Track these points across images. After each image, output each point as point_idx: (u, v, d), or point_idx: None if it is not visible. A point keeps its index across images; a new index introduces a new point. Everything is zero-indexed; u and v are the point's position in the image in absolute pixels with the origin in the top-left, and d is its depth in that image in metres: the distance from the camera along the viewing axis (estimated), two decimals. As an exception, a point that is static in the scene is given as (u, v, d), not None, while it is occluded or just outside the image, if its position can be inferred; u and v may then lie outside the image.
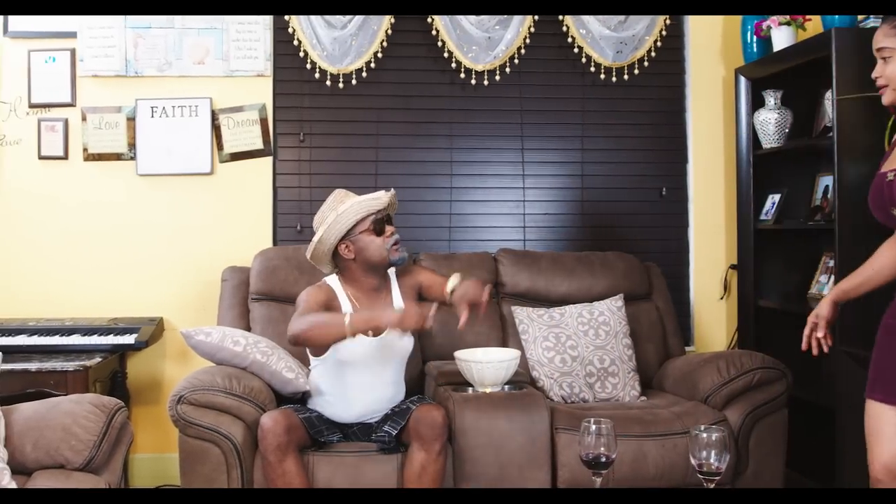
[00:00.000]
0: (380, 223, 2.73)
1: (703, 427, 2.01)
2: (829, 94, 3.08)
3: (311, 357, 2.83)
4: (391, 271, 2.90)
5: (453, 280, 2.73)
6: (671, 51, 3.91)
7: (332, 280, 2.82)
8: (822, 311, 2.32)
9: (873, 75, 2.14)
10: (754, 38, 3.64)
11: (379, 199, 2.73)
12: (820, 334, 2.31)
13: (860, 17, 3.08)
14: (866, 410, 2.16)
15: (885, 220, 2.15)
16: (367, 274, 2.75)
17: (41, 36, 3.64)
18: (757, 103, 3.60)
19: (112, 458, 2.37)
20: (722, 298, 3.95)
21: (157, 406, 3.65)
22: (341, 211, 2.67)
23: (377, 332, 2.49)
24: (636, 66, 3.85)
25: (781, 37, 3.43)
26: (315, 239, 2.73)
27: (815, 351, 2.33)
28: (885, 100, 2.13)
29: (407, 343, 2.85)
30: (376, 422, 2.80)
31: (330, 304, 2.72)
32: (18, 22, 3.62)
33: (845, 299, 2.32)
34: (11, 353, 3.09)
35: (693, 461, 2.00)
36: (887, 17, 2.10)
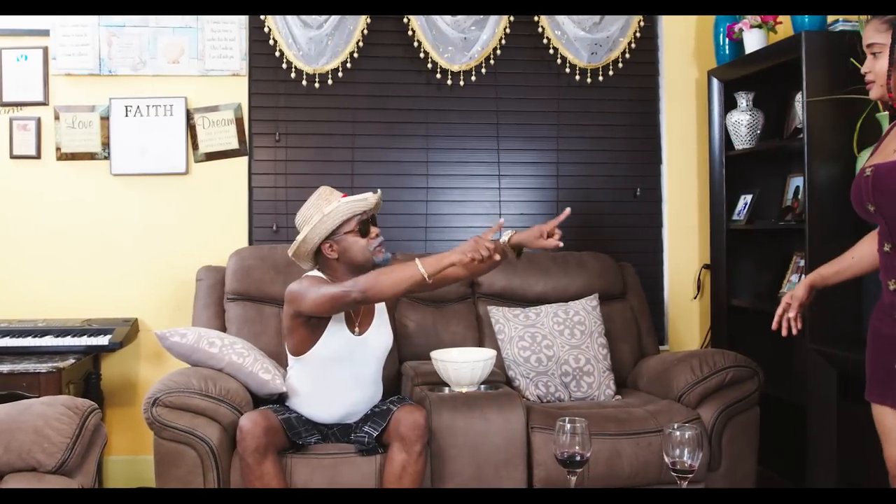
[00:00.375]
0: (365, 224, 2.72)
1: (676, 425, 2.03)
2: (799, 96, 3.12)
3: (289, 357, 2.82)
4: None
5: (507, 233, 2.67)
6: (645, 52, 3.94)
7: (317, 274, 2.79)
8: (798, 292, 2.31)
9: (863, 70, 2.14)
10: (726, 40, 3.68)
11: (366, 199, 2.72)
12: (791, 314, 2.31)
13: (830, 20, 3.13)
14: (872, 412, 2.16)
15: (864, 216, 2.16)
16: (348, 273, 2.73)
17: (13, 34, 3.59)
18: (729, 105, 3.64)
19: (85, 461, 2.35)
20: (695, 298, 3.99)
21: (131, 408, 3.63)
22: (327, 211, 2.65)
23: (442, 271, 2.39)
24: (611, 67, 3.88)
25: (753, 39, 3.47)
26: (299, 237, 2.70)
27: (784, 332, 2.32)
28: (873, 94, 2.14)
29: (387, 341, 2.85)
30: (355, 422, 2.79)
31: None
32: (-11, 20, 3.58)
33: (822, 285, 2.32)
34: (-18, 355, 3.06)
35: (667, 459, 2.02)
36: (877, 14, 2.10)
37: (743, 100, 3.55)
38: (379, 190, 2.79)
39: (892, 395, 2.07)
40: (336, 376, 2.74)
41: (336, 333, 2.71)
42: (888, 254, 2.07)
